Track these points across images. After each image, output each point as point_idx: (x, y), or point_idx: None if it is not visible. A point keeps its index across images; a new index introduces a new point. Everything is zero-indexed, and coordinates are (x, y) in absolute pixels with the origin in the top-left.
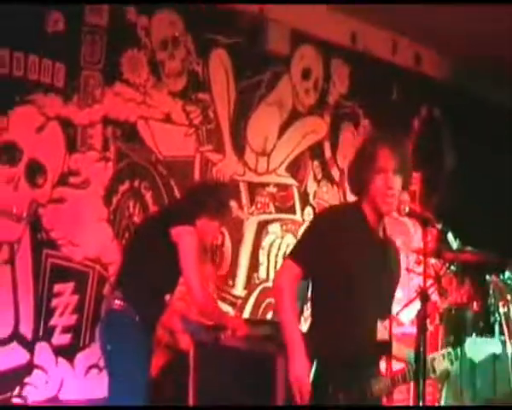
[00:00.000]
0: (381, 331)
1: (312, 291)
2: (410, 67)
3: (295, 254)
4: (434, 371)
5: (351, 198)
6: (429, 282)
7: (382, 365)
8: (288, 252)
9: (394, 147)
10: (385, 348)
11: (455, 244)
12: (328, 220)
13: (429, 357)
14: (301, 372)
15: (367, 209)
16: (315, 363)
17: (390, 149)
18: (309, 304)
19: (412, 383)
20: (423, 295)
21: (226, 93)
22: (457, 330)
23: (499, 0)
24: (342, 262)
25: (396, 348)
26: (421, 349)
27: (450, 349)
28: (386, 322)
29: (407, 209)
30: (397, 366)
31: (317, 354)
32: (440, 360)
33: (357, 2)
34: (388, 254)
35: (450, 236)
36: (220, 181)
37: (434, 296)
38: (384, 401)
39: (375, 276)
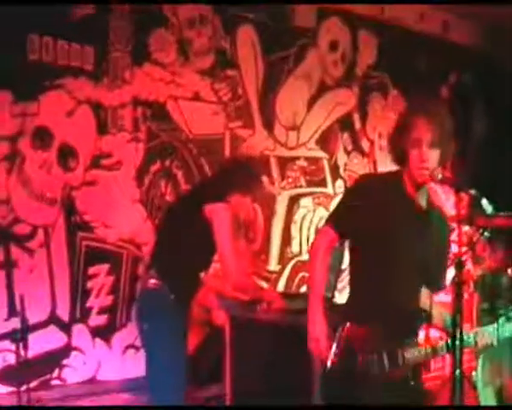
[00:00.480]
0: (424, 300)
1: (350, 259)
2: (437, 35)
3: (331, 220)
4: (476, 344)
5: (381, 169)
6: (463, 249)
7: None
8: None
9: (431, 118)
10: (424, 317)
11: (489, 210)
12: (367, 187)
13: (472, 331)
14: (320, 334)
15: (406, 178)
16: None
17: (426, 119)
18: (342, 276)
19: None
20: (458, 263)
21: (254, 69)
22: (492, 296)
23: None
24: (379, 229)
25: (437, 315)
26: (458, 317)
27: (494, 325)
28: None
29: (440, 176)
30: (436, 334)
31: (355, 320)
32: (484, 335)
33: None
34: (431, 224)
35: (484, 201)
36: (250, 156)
37: (468, 264)
38: (421, 370)
39: (414, 244)
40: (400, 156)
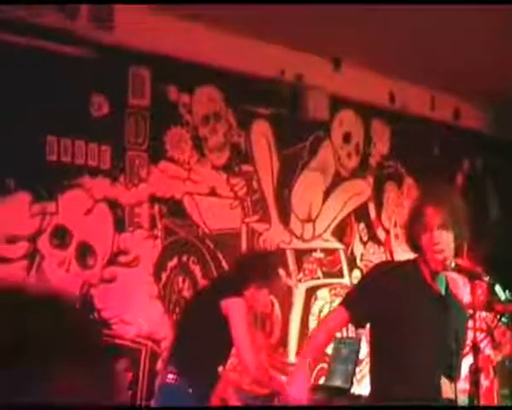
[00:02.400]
0: (446, 390)
1: (370, 346)
2: (449, 122)
3: (345, 301)
4: None
5: (397, 258)
6: (481, 335)
7: None
8: None
9: (439, 203)
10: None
11: (503, 296)
12: (383, 273)
13: None
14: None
15: (423, 266)
16: None
17: (435, 205)
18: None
19: None
20: (475, 349)
21: (269, 163)
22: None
23: None
24: (396, 315)
25: None
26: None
27: None
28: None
29: (453, 264)
30: None
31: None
32: None
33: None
34: (449, 311)
35: (498, 287)
36: (266, 250)
37: (488, 350)
38: None
39: (432, 330)
40: (415, 244)
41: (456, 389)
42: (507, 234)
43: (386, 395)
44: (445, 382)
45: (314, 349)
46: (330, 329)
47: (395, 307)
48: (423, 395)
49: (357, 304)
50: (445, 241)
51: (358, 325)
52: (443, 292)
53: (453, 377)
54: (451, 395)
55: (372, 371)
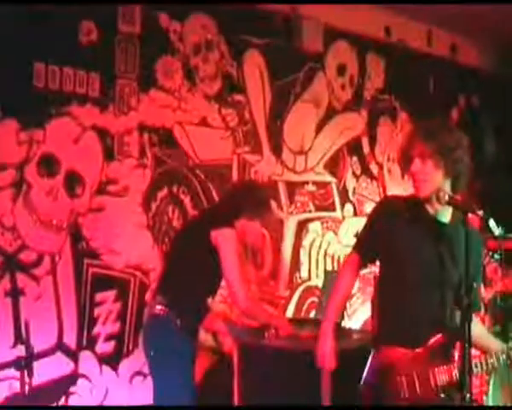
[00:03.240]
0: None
1: (377, 282)
2: (445, 58)
3: (357, 247)
4: (487, 366)
5: (391, 192)
6: None
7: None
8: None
9: (426, 133)
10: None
11: (497, 231)
12: (388, 209)
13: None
14: (328, 350)
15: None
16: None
17: (422, 136)
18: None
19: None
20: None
21: (261, 94)
22: (503, 319)
23: None
24: (404, 249)
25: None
26: (466, 339)
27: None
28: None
29: (446, 197)
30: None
31: (385, 342)
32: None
33: None
34: (454, 239)
35: (492, 223)
36: (258, 181)
37: None
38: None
39: (441, 261)
40: (404, 173)
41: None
42: (502, 171)
43: (393, 327)
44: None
45: (336, 310)
46: (347, 283)
47: (402, 243)
48: (431, 326)
49: (368, 246)
50: (423, 170)
51: (367, 264)
52: (445, 220)
53: (463, 306)
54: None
55: (380, 306)
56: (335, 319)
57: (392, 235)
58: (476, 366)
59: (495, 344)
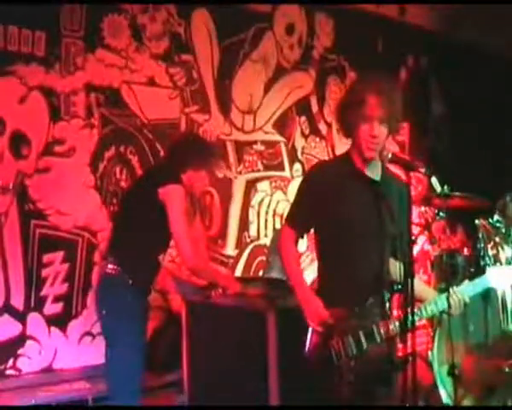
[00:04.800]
0: (393, 271)
1: (315, 246)
2: (394, 18)
3: (288, 218)
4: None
5: (339, 152)
6: (417, 229)
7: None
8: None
9: (382, 95)
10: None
11: (439, 188)
12: (317, 175)
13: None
14: (320, 312)
15: (355, 156)
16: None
17: (378, 97)
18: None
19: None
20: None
21: (209, 53)
22: (448, 276)
23: None
24: (337, 212)
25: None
26: (409, 295)
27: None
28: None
29: (390, 156)
30: None
31: (327, 304)
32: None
33: None
34: (386, 195)
35: (434, 180)
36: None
37: (426, 245)
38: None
39: (372, 217)
40: (349, 130)
41: (401, 270)
42: (449, 131)
43: (333, 288)
44: (393, 263)
45: (299, 276)
46: (289, 254)
47: (334, 207)
48: (369, 280)
49: (300, 219)
50: (382, 134)
51: (303, 236)
52: (377, 178)
53: (399, 258)
54: (397, 277)
55: (319, 268)
56: (303, 282)
57: (326, 201)
58: (416, 314)
59: (431, 293)
